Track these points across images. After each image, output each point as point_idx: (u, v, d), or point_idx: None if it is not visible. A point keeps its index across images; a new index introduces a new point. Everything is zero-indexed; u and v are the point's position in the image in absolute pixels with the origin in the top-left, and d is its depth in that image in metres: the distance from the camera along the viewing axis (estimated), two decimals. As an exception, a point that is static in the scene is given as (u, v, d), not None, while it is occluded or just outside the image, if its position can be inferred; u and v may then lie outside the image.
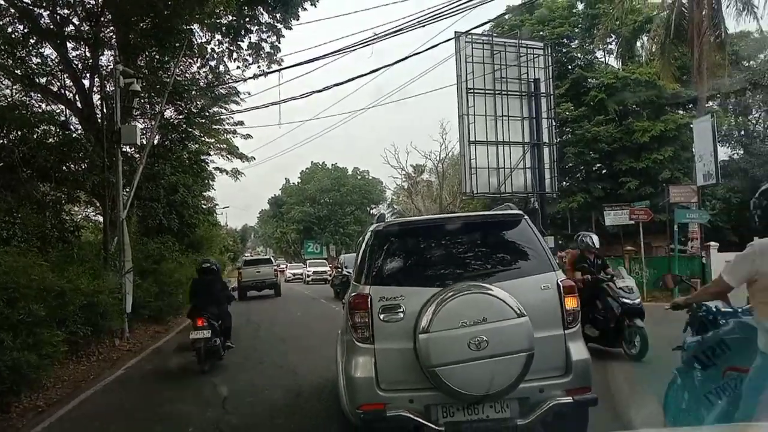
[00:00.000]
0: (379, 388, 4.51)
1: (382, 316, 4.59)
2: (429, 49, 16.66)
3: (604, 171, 31.54)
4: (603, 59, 33.72)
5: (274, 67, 21.38)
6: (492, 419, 4.45)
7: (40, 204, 13.98)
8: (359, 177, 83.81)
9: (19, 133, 13.42)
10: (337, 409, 5.17)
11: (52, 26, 17.01)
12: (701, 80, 20.33)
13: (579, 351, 4.69)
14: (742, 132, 34.34)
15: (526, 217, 5.16)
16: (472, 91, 22.35)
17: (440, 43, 16.47)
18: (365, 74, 17.43)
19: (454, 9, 12.93)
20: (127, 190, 14.72)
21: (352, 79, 17.52)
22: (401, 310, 4.56)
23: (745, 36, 30.83)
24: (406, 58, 16.33)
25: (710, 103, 28.95)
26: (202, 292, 9.96)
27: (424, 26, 13.54)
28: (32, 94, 17.46)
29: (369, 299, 4.63)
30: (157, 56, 18.70)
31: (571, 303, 4.73)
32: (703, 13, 20.11)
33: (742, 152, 33.25)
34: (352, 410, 4.60)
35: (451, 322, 4.30)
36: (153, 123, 17.68)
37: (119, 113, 12.91)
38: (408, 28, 13.80)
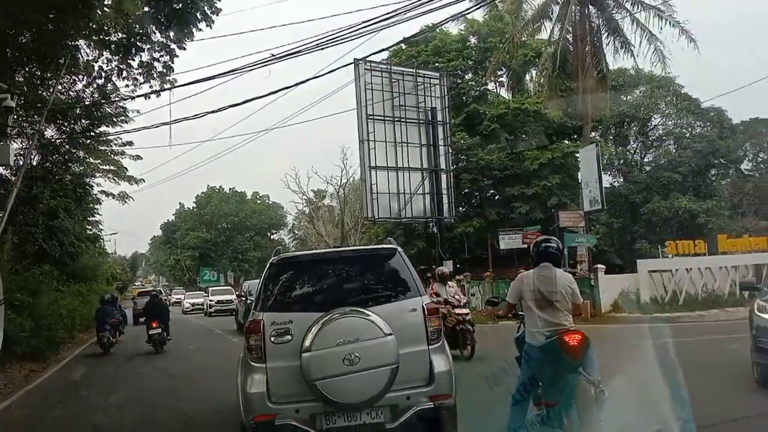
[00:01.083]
0: (269, 401, 5.15)
1: (273, 339, 5.24)
2: (328, 72, 16.65)
3: (497, 197, 32.80)
4: (495, 90, 35.28)
5: (169, 93, 20.48)
6: (368, 424, 5.15)
7: None
8: (259, 201, 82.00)
9: None
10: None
11: None
12: (585, 111, 21.72)
13: (441, 363, 5.41)
14: (621, 161, 37.02)
15: (400, 250, 5.91)
16: (372, 117, 22.65)
17: (339, 68, 16.64)
18: (263, 96, 16.98)
19: (353, 33, 12.94)
20: (0, 214, 13.48)
21: (249, 101, 17.01)
22: (290, 333, 5.22)
23: (622, 73, 33.46)
24: (305, 81, 16.16)
25: (593, 134, 31.06)
26: (152, 310, 16.97)
27: (322, 49, 13.50)
28: None
29: (262, 324, 5.31)
30: (38, 72, 17.42)
31: (434, 322, 5.51)
32: (587, 49, 21.60)
33: (622, 180, 35.87)
34: (247, 421, 5.25)
35: (328, 341, 5.00)
36: (31, 143, 16.31)
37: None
38: (306, 50, 13.70)
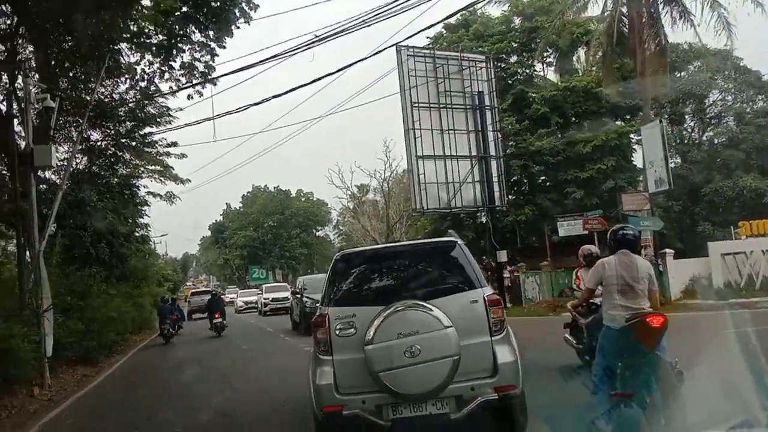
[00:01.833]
0: (337, 392, 5.30)
1: (338, 332, 5.41)
2: (373, 54, 15.91)
3: (548, 183, 31.61)
4: (542, 72, 34.05)
5: (209, 86, 20.22)
6: (433, 414, 5.24)
7: None
8: (303, 199, 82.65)
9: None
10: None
11: None
12: (644, 87, 20.42)
13: (505, 354, 5.42)
14: (679, 141, 35.20)
15: (460, 242, 5.99)
16: (416, 104, 21.85)
17: (384, 49, 15.72)
18: (307, 83, 16.38)
19: (398, 6, 12.15)
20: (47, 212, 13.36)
21: (293, 89, 16.46)
22: (354, 326, 5.38)
23: (675, 48, 31.71)
24: (350, 65, 15.50)
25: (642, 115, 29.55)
26: (213, 305, 21.75)
27: (369, 25, 12.77)
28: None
29: (327, 318, 5.48)
30: (82, 76, 17.34)
31: (496, 313, 5.50)
32: (643, 20, 20.25)
33: (679, 161, 34.07)
34: (318, 411, 5.44)
35: (390, 334, 5.13)
36: (75, 145, 16.17)
37: (31, 132, 11.53)
38: (350, 29, 13.01)
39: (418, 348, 5.05)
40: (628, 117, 31.38)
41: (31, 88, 11.71)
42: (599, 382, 5.42)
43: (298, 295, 18.70)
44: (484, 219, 30.31)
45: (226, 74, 16.76)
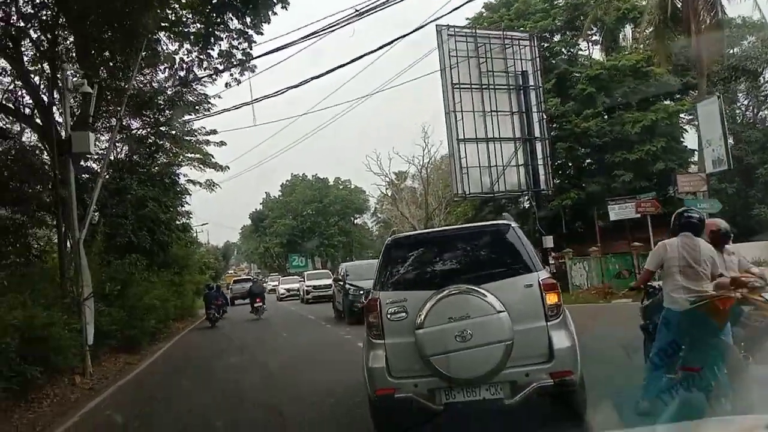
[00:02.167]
0: (389, 375, 5.30)
1: (389, 316, 5.41)
2: (414, 31, 15.31)
3: (594, 166, 30.49)
4: (587, 51, 32.83)
5: (248, 74, 20.08)
6: (487, 399, 5.15)
7: (3, 229, 12.54)
8: (341, 187, 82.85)
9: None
10: None
11: (7, 41, 15.81)
12: (700, 62, 19.29)
13: (562, 339, 5.28)
14: (731, 120, 33.52)
15: (514, 225, 5.85)
16: (457, 86, 21.18)
17: (425, 25, 15.07)
18: (346, 63, 15.87)
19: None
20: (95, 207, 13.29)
21: (333, 70, 15.99)
22: (405, 310, 5.36)
23: (728, 23, 30.09)
24: (393, 42, 14.95)
25: (695, 92, 28.14)
26: (254, 291, 24.43)
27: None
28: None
29: (378, 302, 5.51)
30: (121, 65, 17.32)
31: (552, 298, 5.38)
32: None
33: (732, 141, 32.43)
34: (371, 394, 5.46)
35: (440, 318, 5.10)
36: (113, 133, 16.10)
37: (68, 118, 11.39)
38: (391, 1, 12.45)
39: (469, 332, 5.01)
40: (678, 96, 29.99)
41: (68, 74, 11.52)
42: (656, 365, 5.46)
43: (341, 283, 18.34)
44: (527, 204, 29.53)
45: (265, 54, 16.35)
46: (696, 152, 29.64)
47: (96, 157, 16.50)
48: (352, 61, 14.59)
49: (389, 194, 57.60)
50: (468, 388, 5.17)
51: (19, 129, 16.53)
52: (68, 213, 11.21)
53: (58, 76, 14.25)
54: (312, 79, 15.76)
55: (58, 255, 11.33)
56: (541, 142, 22.65)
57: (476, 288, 5.19)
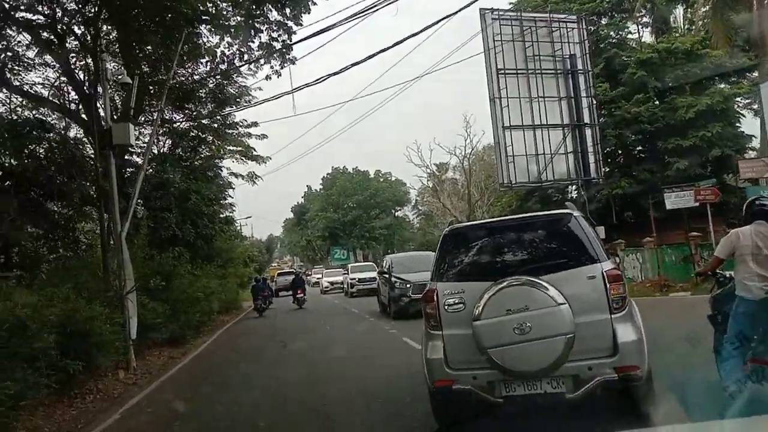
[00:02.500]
0: (447, 366, 5.27)
1: (447, 308, 5.37)
2: (459, 11, 14.68)
3: (645, 153, 29.27)
4: (637, 33, 31.55)
5: (288, 66, 19.99)
6: (548, 393, 5.04)
7: (52, 225, 12.58)
8: (382, 179, 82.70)
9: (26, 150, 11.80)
10: None
11: (53, 38, 15.97)
12: (763, 40, 18.10)
13: (627, 333, 5.11)
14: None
15: (576, 214, 5.67)
16: (502, 71, 20.45)
17: (468, 5, 14.34)
18: (390, 47, 15.31)
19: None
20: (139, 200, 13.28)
21: (375, 55, 15.47)
22: (463, 302, 5.30)
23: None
24: (438, 22, 14.36)
25: (752, 74, 26.67)
26: (296, 284, 26.59)
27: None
28: (40, 109, 16.60)
29: (436, 294, 5.46)
30: (162, 58, 17.34)
31: (616, 290, 5.16)
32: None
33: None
34: (429, 385, 5.44)
35: (498, 310, 4.98)
36: (159, 127, 16.10)
37: (108, 110, 11.26)
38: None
39: (528, 325, 4.87)
40: (733, 78, 28.49)
41: (108, 65, 11.39)
42: (729, 354, 5.34)
43: (386, 276, 17.69)
44: (574, 194, 28.58)
45: (306, 38, 16.04)
46: (754, 137, 28.23)
47: (140, 151, 16.51)
48: (396, 44, 14.04)
49: (430, 186, 57.05)
50: (528, 382, 5.07)
51: (64, 124, 16.73)
52: (110, 206, 11.08)
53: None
54: (354, 64, 15.38)
55: (101, 248, 11.19)
56: (591, 129, 21.71)
57: (536, 279, 5.04)
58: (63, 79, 17.50)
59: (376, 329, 15.29)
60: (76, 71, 16.66)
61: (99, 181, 11.37)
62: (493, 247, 5.79)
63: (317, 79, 16.06)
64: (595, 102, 22.89)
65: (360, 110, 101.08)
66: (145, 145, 19.14)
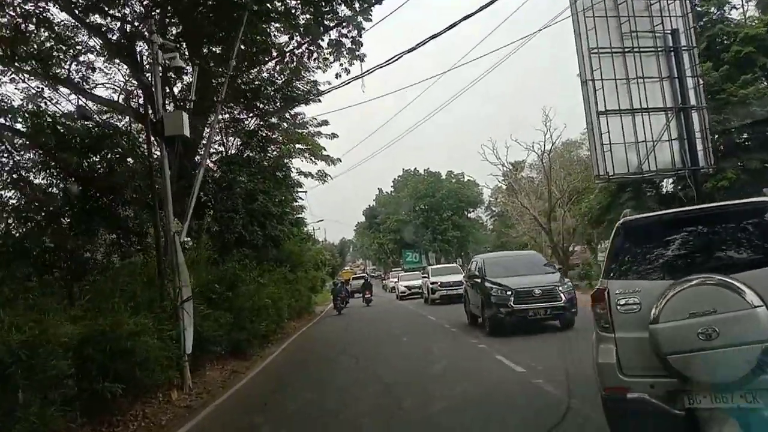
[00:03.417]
0: (621, 372, 4.78)
1: (619, 308, 4.88)
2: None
3: (752, 141, 26.11)
4: (741, 9, 28.37)
5: (357, 64, 19.36)
6: (742, 408, 4.35)
7: (125, 230, 11.78)
8: (454, 180, 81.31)
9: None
10: None
11: (123, 41, 15.67)
12: None
13: None
14: None
15: None
16: (595, 50, 18.22)
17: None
18: (468, 15, 13.48)
19: None
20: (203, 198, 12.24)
21: (453, 26, 13.64)
22: (638, 302, 4.78)
23: None
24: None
25: None
26: (365, 286, 34.18)
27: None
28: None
29: (606, 293, 4.97)
30: (226, 56, 16.82)
31: None
32: None
33: None
34: (600, 392, 5.00)
35: (679, 312, 4.42)
36: (214, 118, 15.11)
37: (160, 96, 10.12)
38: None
39: (714, 330, 4.28)
40: None
41: (158, 50, 10.28)
42: None
43: (476, 280, 15.00)
44: (670, 187, 25.89)
45: (380, 21, 14.60)
46: None
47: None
48: (477, 11, 12.23)
49: (505, 185, 54.66)
50: (717, 394, 4.43)
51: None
52: (165, 203, 9.93)
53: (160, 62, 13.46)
54: (430, 38, 13.69)
55: (156, 252, 10.07)
56: (698, 112, 19.04)
57: (725, 278, 4.38)
58: (133, 82, 17.25)
59: (461, 343, 13.28)
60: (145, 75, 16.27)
61: (152, 177, 10.22)
62: (675, 242, 5.06)
63: (387, 60, 14.56)
64: (701, 82, 20.21)
65: (437, 103, 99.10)
66: (213, 150, 18.67)
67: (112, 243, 12.03)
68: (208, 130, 13.45)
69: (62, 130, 10.57)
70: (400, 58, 13.60)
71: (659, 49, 18.93)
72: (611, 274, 5.14)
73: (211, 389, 10.02)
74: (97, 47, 16.68)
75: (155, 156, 10.21)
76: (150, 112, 10.48)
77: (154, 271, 10.34)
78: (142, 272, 10.62)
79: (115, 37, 16.28)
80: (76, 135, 10.61)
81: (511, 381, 8.01)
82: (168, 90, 16.41)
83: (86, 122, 12.05)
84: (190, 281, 10.63)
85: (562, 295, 12.93)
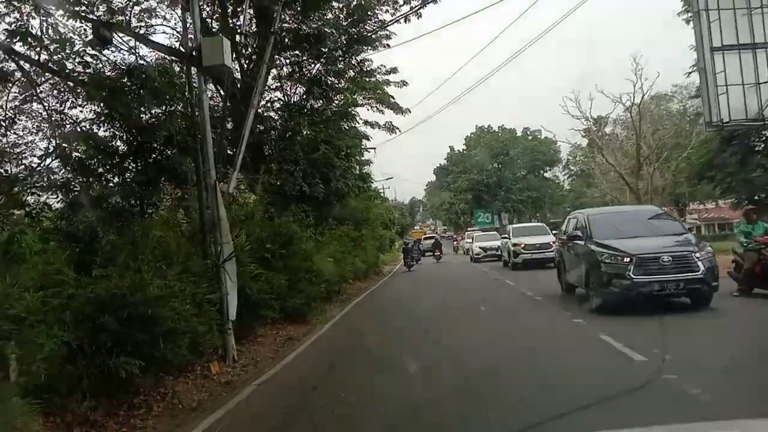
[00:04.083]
0: None
1: None
2: None
3: None
4: None
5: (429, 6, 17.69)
6: None
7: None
8: (530, 137, 77.82)
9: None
10: None
11: None
12: None
13: None
14: None
15: None
16: (711, -27, 15.51)
17: None
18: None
19: None
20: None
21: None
22: None
23: None
24: None
25: None
26: (435, 245, 40.31)
27: None
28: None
29: None
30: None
31: None
32: None
33: None
34: None
35: None
36: (266, 61, 13.64)
37: (197, 19, 8.65)
38: None
39: None
40: None
41: None
42: None
43: (578, 242, 11.85)
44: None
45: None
46: None
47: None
48: None
49: (587, 141, 51.18)
50: None
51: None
52: (204, 147, 8.57)
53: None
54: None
55: (198, 205, 8.79)
56: (837, 47, 16.08)
57: None
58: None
59: (554, 318, 10.99)
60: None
61: (193, 118, 8.87)
62: None
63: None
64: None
65: (509, 53, 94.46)
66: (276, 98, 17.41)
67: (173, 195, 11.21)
68: (265, 67, 11.93)
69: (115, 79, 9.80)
70: None
71: (790, -30, 15.97)
72: None
73: (259, 360, 8.74)
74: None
75: (195, 92, 8.74)
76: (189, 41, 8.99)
77: (197, 226, 9.09)
78: (175, 227, 9.46)
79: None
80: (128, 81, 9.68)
81: (632, 375, 6.03)
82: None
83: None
84: (240, 238, 9.38)
85: (699, 263, 9.89)
